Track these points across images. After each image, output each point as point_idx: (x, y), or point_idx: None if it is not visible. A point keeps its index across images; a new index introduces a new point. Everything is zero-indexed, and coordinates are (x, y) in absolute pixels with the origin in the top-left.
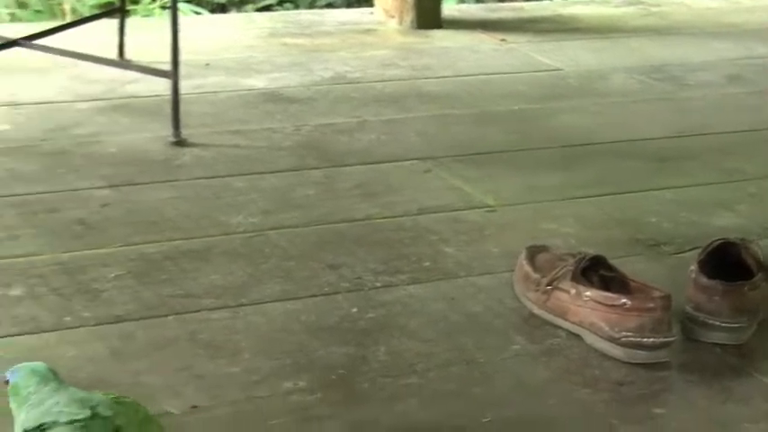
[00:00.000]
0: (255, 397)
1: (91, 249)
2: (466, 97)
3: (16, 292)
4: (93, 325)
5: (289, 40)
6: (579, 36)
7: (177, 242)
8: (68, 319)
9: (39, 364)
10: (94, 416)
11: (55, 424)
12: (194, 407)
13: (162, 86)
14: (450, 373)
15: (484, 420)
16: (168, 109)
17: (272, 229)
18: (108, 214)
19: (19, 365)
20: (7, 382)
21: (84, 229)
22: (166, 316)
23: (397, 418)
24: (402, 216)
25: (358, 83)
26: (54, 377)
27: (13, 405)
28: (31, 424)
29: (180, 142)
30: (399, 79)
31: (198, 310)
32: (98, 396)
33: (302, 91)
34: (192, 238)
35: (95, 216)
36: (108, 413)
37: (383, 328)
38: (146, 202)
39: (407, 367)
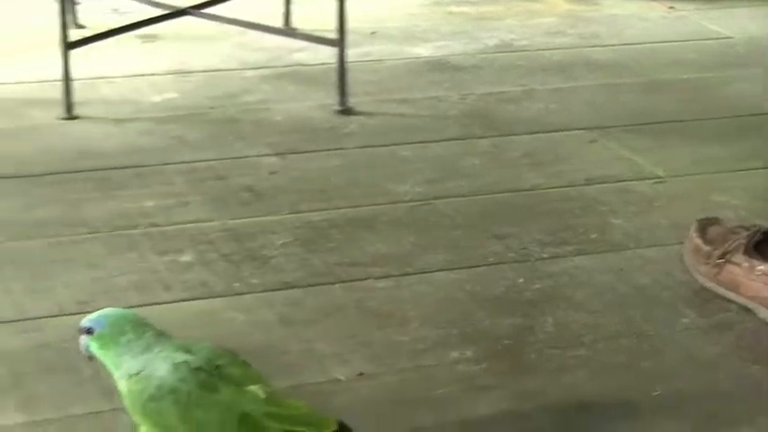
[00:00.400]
0: (422, 366)
1: (258, 216)
2: (634, 66)
3: (186, 257)
4: (262, 291)
5: (454, 8)
6: (748, 3)
7: (343, 210)
8: (237, 285)
9: (126, 312)
10: (198, 358)
11: (168, 368)
12: (361, 374)
13: (328, 55)
14: (618, 346)
15: (654, 394)
16: (334, 77)
17: (438, 198)
18: (275, 182)
19: (101, 313)
20: (89, 330)
21: (252, 197)
22: (333, 284)
23: (565, 389)
24: (569, 186)
25: (524, 51)
26: (148, 323)
27: (101, 352)
28: (138, 368)
29: (346, 110)
30: (566, 47)
31: (364, 279)
32: (197, 341)
33: (468, 59)
34: (359, 207)
35: (263, 183)
36: (209, 355)
37: (550, 300)
38: (312, 170)
39: (575, 339)
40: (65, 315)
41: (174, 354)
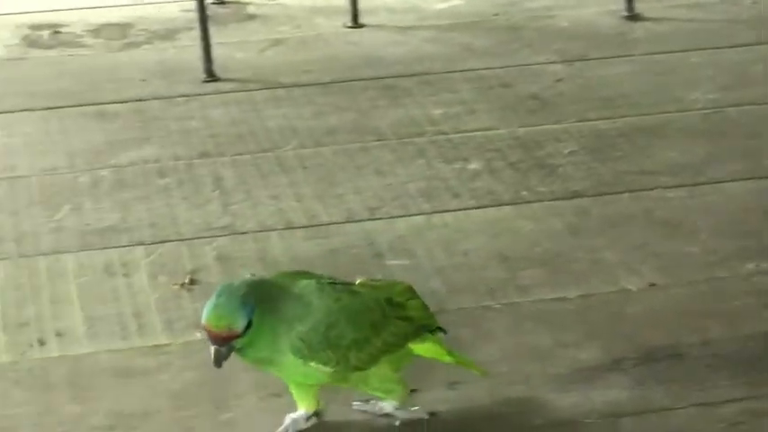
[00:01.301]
0: (714, 278)
1: (545, 125)
2: None
3: (474, 165)
4: (550, 200)
5: None
6: None
7: (631, 118)
8: (525, 193)
9: (240, 284)
10: (321, 278)
11: (318, 297)
12: (652, 285)
13: None
14: None
15: None
16: None
17: (731, 105)
18: (561, 89)
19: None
20: (247, 325)
21: (538, 105)
22: (621, 193)
23: None
24: None
25: None
26: (257, 279)
27: (260, 327)
28: (296, 314)
29: (633, 17)
30: None
31: (653, 188)
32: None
33: None
34: (647, 115)
35: (549, 91)
36: (320, 277)
37: None
38: (599, 78)
39: None
40: (355, 221)
41: (304, 286)
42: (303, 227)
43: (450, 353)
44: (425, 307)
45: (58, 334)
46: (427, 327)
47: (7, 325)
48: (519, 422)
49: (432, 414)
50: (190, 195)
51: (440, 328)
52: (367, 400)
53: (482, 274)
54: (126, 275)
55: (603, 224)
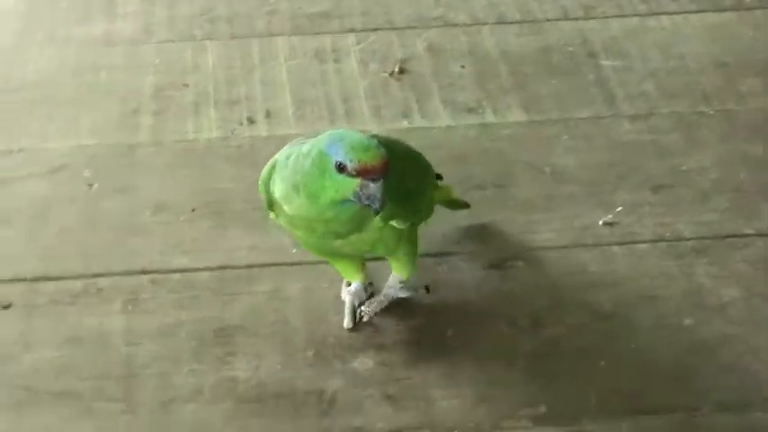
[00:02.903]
0: None
1: None
2: None
3: None
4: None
5: None
6: None
7: None
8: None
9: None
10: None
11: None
12: None
13: None
14: None
15: None
16: None
17: None
18: None
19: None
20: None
21: None
22: None
23: None
24: None
25: None
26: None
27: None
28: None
29: None
30: None
31: None
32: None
33: None
34: None
35: None
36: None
37: None
38: None
39: None
40: (570, 19)
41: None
42: (516, 22)
43: (449, 190)
44: None
45: (267, 114)
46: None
47: (218, 102)
48: None
49: (426, 287)
50: None
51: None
52: (369, 302)
53: (698, 79)
54: (336, 61)
55: None
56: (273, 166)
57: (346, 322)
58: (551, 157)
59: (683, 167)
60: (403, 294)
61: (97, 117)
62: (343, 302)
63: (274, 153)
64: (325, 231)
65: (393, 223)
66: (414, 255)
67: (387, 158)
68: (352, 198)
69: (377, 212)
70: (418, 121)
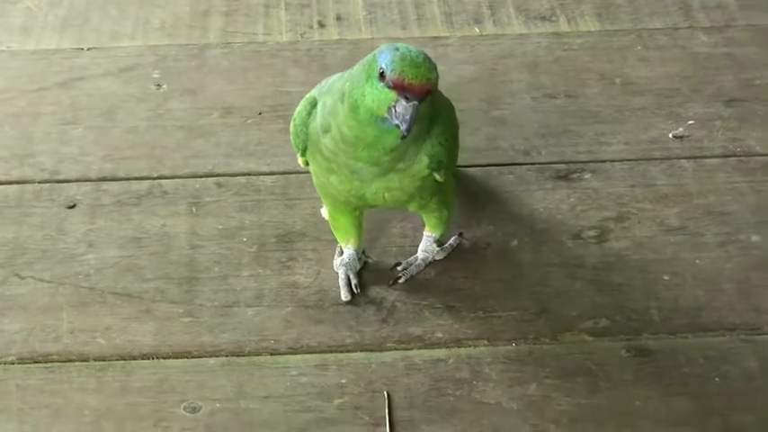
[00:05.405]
0: None
1: None
2: None
3: None
4: None
5: None
6: None
7: None
8: None
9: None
10: None
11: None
12: None
13: None
14: None
15: None
16: None
17: None
18: None
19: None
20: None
21: None
22: None
23: None
24: None
25: None
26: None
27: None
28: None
29: None
30: None
31: None
32: None
33: None
34: None
35: None
36: None
37: None
38: None
39: None
40: None
41: None
42: None
43: None
44: None
45: (338, 17)
46: None
47: (289, 5)
48: None
49: (460, 233)
50: None
51: None
52: (407, 265)
53: None
54: None
55: None
56: (310, 102)
57: (343, 295)
58: (624, 67)
59: (757, 81)
60: (439, 257)
61: (167, 17)
62: (341, 273)
63: (344, 58)
64: (366, 162)
65: (436, 176)
66: (449, 211)
67: (430, 84)
68: (386, 115)
69: (403, 136)
70: (490, 28)
